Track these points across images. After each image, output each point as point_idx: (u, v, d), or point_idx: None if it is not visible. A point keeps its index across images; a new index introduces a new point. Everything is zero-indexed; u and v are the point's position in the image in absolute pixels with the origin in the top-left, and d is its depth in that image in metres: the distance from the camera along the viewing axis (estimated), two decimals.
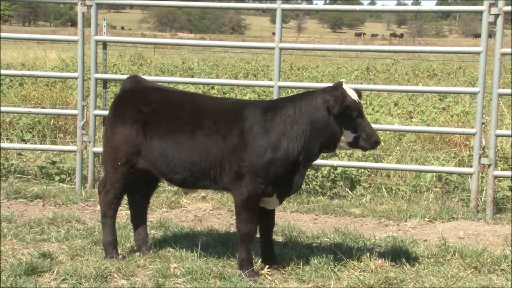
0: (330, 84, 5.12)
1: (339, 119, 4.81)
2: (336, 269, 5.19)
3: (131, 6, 49.68)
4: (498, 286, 5.05)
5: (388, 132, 9.39)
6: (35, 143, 9.42)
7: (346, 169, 8.02)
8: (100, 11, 8.29)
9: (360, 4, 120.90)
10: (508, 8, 7.14)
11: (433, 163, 8.38)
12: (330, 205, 7.46)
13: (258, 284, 4.89)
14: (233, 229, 6.40)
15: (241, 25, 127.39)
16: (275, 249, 5.34)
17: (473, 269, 5.34)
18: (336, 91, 4.86)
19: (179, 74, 20.04)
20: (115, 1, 8.59)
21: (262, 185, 4.88)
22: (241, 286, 4.79)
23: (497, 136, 7.38)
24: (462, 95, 14.20)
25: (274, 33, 8.46)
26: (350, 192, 7.97)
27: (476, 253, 5.58)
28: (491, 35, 8.12)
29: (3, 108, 8.91)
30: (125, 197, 5.56)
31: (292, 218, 7.06)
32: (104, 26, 8.31)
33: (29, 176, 8.34)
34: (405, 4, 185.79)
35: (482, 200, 7.50)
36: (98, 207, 7.11)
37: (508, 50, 7.27)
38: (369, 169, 8.24)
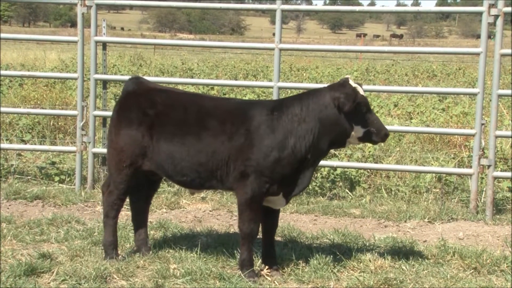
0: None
1: (348, 115, 4.82)
2: (336, 269, 5.18)
3: (131, 7, 49.72)
4: (498, 287, 5.05)
5: None
6: (35, 144, 9.42)
7: (345, 170, 8.02)
8: (100, 11, 8.28)
9: (360, 5, 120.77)
10: (507, 9, 7.15)
11: (432, 164, 8.38)
12: (329, 205, 7.46)
13: (258, 285, 4.88)
14: (232, 229, 6.40)
15: (240, 25, 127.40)
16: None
17: (472, 270, 5.34)
18: (345, 88, 4.86)
19: (178, 74, 20.06)
20: (115, 2, 8.58)
21: (267, 184, 4.87)
22: (240, 286, 4.79)
23: (496, 137, 7.38)
24: (462, 96, 14.23)
25: (274, 34, 8.46)
26: (349, 193, 7.97)
27: (475, 254, 5.58)
28: (490, 36, 8.12)
29: (2, 109, 8.90)
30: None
31: (292, 218, 7.06)
32: (104, 27, 8.30)
33: (28, 177, 8.34)
34: (405, 5, 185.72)
35: (482, 201, 7.50)
36: (98, 208, 7.15)
37: (507, 51, 7.26)
38: (368, 170, 8.24)
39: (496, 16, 7.15)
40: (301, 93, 5.13)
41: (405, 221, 7.02)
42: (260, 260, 5.27)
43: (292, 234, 6.25)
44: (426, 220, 7.04)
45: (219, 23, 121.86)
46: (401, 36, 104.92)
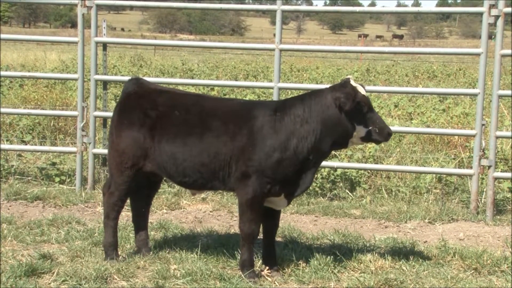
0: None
1: (350, 115, 4.82)
2: (336, 270, 5.19)
3: (131, 8, 49.68)
4: (498, 287, 5.05)
5: None
6: (35, 145, 9.43)
7: (346, 170, 8.02)
8: (100, 12, 8.30)
9: (360, 5, 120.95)
10: (508, 9, 7.15)
11: (433, 165, 8.38)
12: (330, 206, 7.46)
13: (258, 285, 4.89)
14: (233, 230, 6.40)
15: (241, 26, 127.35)
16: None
17: (473, 271, 5.34)
18: (345, 87, 4.86)
19: (179, 75, 20.05)
20: (115, 2, 8.59)
21: (269, 185, 4.87)
22: (241, 287, 4.79)
23: (497, 137, 7.38)
24: (462, 96, 14.23)
25: (274, 35, 8.46)
26: (350, 193, 7.97)
27: (476, 254, 5.58)
28: (491, 36, 8.12)
29: (3, 110, 8.92)
30: None
31: (292, 219, 7.06)
32: (104, 28, 8.31)
33: (29, 178, 8.35)
34: (405, 6, 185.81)
35: (482, 201, 7.50)
36: (98, 209, 7.15)
37: (508, 51, 7.27)
38: (369, 171, 8.24)
39: (497, 17, 7.16)
40: (303, 94, 5.12)
41: (406, 222, 7.03)
42: (260, 261, 5.27)
43: (293, 234, 6.25)
44: (426, 220, 7.04)
45: (219, 23, 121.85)
46: (401, 37, 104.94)
